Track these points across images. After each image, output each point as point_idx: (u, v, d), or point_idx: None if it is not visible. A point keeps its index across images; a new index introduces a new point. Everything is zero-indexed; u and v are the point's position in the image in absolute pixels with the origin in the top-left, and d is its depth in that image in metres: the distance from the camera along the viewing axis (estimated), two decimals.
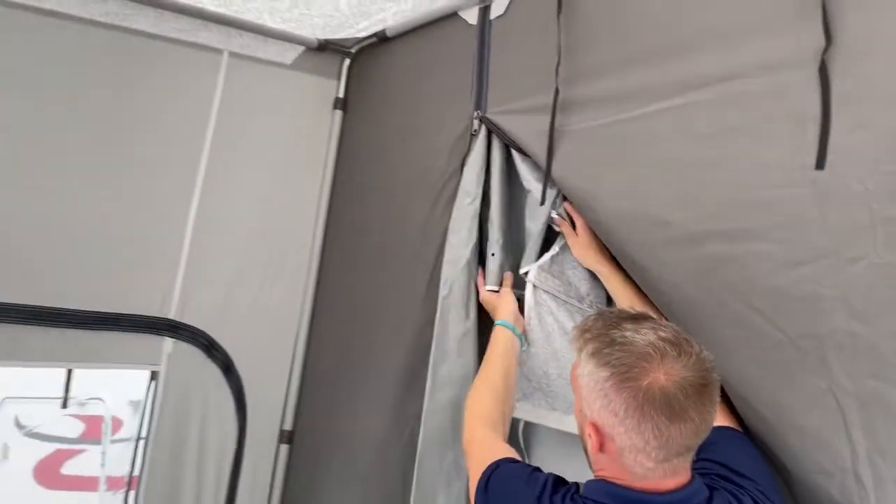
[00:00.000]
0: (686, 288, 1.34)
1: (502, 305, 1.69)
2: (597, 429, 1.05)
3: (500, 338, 1.61)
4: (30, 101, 1.81)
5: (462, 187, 1.85)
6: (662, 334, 1.04)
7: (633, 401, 1.00)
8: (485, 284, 1.77)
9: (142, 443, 2.07)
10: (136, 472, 2.02)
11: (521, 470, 1.19)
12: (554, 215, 1.67)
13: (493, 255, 1.78)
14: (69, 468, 4.03)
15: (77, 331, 1.83)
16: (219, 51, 2.09)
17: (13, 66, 1.79)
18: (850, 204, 1.16)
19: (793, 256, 1.21)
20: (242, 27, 2.06)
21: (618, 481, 1.06)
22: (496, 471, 1.20)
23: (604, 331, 1.08)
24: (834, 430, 1.13)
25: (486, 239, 1.82)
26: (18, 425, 4.26)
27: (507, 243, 1.82)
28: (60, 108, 1.86)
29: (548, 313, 1.67)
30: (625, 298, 1.51)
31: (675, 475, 1.04)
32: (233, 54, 2.11)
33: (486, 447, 1.34)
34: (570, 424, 1.57)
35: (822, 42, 1.22)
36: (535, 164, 1.74)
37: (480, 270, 1.79)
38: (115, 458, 3.77)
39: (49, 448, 4.09)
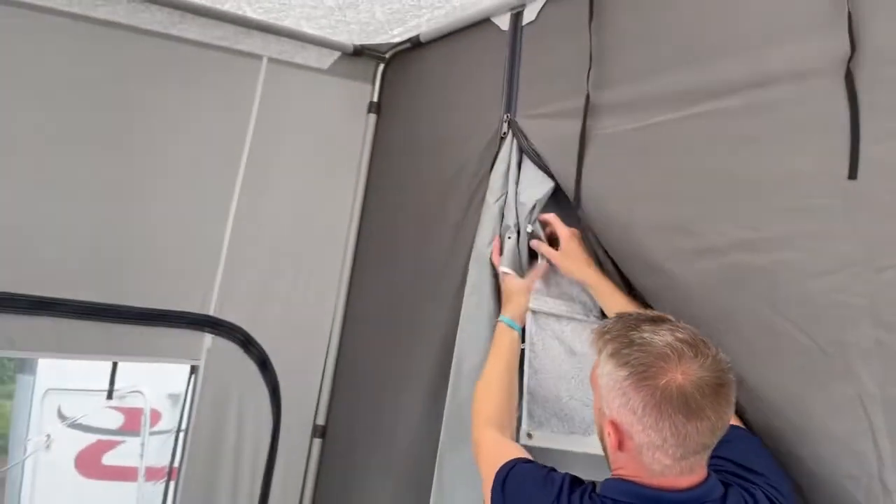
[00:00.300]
0: (715, 296, 1.36)
1: (512, 302, 1.68)
2: (616, 427, 1.08)
3: (504, 337, 1.63)
4: (83, 108, 1.90)
5: (489, 187, 1.89)
6: (680, 335, 1.07)
7: (650, 399, 1.03)
8: (500, 264, 1.76)
9: (181, 435, 2.15)
10: (177, 464, 2.10)
11: (537, 471, 1.22)
12: (529, 229, 1.69)
13: (509, 237, 1.78)
14: (110, 458, 4.17)
15: (124, 325, 1.92)
16: (258, 57, 2.16)
17: (68, 74, 1.88)
18: (878, 213, 1.18)
19: (820, 265, 1.23)
20: (281, 33, 2.13)
21: (636, 479, 1.09)
22: (512, 471, 1.23)
23: (623, 332, 1.12)
24: (861, 435, 1.15)
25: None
26: (61, 416, 4.42)
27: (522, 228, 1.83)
28: (112, 113, 1.95)
29: (552, 337, 1.69)
30: (616, 307, 1.52)
31: (691, 473, 1.07)
32: (272, 60, 2.18)
33: (496, 448, 1.37)
34: (590, 445, 1.57)
35: (848, 50, 1.23)
36: (541, 177, 1.78)
37: (496, 246, 1.78)
38: (153, 450, 3.90)
39: (90, 439, 4.24)
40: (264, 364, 2.19)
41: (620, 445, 1.08)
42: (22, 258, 1.82)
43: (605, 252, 1.65)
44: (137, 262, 1.98)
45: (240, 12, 1.99)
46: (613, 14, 1.71)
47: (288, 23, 2.09)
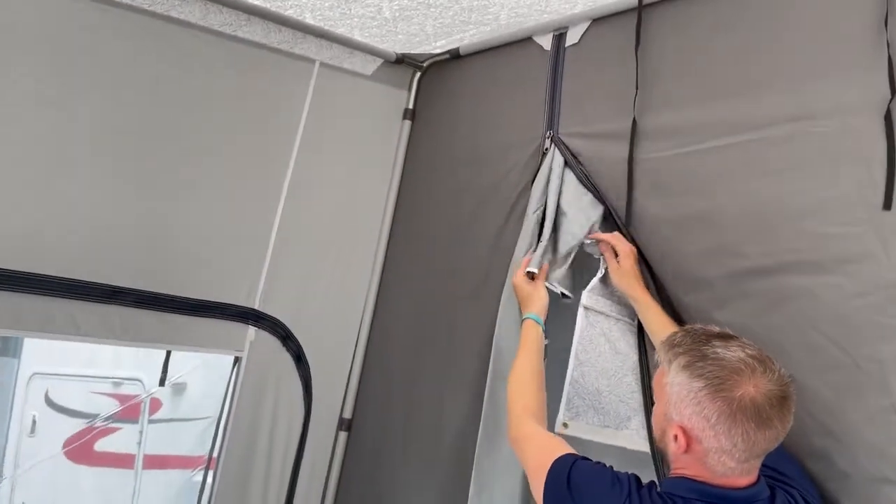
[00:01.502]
0: (761, 313, 1.48)
1: (535, 298, 1.78)
2: (685, 431, 1.19)
3: (532, 332, 1.73)
4: (152, 104, 1.96)
5: (530, 199, 1.99)
6: (749, 352, 1.20)
7: (726, 409, 1.15)
8: (529, 265, 1.84)
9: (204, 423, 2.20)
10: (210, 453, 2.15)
11: (602, 470, 1.29)
12: (587, 241, 1.81)
13: (539, 242, 1.89)
14: (102, 445, 4.15)
15: (178, 316, 1.98)
16: (312, 61, 2.23)
17: (141, 70, 1.93)
18: None
19: (858, 288, 1.35)
20: (335, 40, 2.20)
21: (700, 478, 1.20)
22: (575, 466, 1.29)
23: (694, 346, 1.23)
24: (895, 442, 1.28)
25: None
26: (48, 402, 4.37)
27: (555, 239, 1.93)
28: (174, 110, 2.00)
29: (599, 334, 1.78)
30: (659, 325, 1.63)
31: (748, 474, 1.20)
32: (323, 64, 2.26)
33: (544, 441, 1.44)
34: (621, 439, 1.70)
35: (888, 88, 1.35)
36: (583, 191, 1.89)
37: (526, 259, 1.88)
38: (152, 438, 3.90)
39: (82, 425, 4.20)
40: (299, 358, 2.26)
41: (687, 449, 1.19)
42: (89, 247, 1.86)
43: (650, 271, 1.76)
44: (190, 255, 2.04)
45: (300, 18, 2.06)
46: (659, 41, 1.81)
47: (342, 30, 2.17)
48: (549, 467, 1.31)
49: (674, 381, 1.22)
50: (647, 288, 1.73)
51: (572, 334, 1.76)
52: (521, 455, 1.49)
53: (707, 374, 1.18)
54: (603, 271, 1.81)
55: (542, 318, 1.76)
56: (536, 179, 2.00)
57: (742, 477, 1.20)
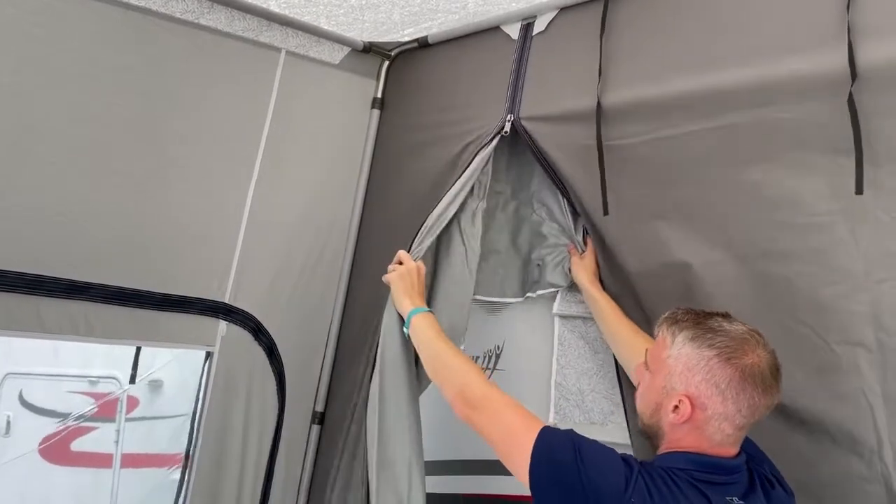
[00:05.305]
0: (743, 298, 1.51)
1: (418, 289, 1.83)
2: (691, 399, 1.22)
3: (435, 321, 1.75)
4: (113, 93, 1.91)
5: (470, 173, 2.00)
6: (749, 327, 1.26)
7: (737, 374, 1.20)
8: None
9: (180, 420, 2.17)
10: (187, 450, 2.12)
11: (608, 448, 1.27)
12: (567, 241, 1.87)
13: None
14: (79, 444, 4.09)
15: (147, 311, 1.94)
16: (278, 49, 2.19)
17: (101, 59, 1.88)
18: (878, 232, 1.34)
19: (829, 276, 1.39)
20: (300, 28, 2.18)
21: (692, 449, 1.23)
22: (580, 439, 1.26)
23: (699, 321, 1.28)
24: (864, 421, 1.33)
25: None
26: (23, 402, 4.30)
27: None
28: (139, 100, 1.95)
29: (578, 337, 1.83)
30: (613, 318, 1.68)
31: (736, 445, 1.25)
32: (289, 53, 2.22)
33: (518, 407, 1.40)
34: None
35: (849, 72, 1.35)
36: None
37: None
38: (129, 436, 3.85)
39: (58, 424, 4.14)
40: (271, 352, 2.24)
41: (690, 417, 1.22)
42: (53, 241, 1.82)
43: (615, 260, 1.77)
44: (158, 248, 2.00)
45: (264, 5, 2.04)
46: (627, 26, 1.81)
47: (307, 18, 2.15)
48: (538, 432, 1.29)
49: (680, 352, 1.26)
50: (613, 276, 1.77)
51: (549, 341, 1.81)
52: (492, 415, 1.41)
53: (718, 344, 1.22)
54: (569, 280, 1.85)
55: (423, 307, 1.78)
56: (479, 154, 2.00)
57: (734, 446, 1.25)
